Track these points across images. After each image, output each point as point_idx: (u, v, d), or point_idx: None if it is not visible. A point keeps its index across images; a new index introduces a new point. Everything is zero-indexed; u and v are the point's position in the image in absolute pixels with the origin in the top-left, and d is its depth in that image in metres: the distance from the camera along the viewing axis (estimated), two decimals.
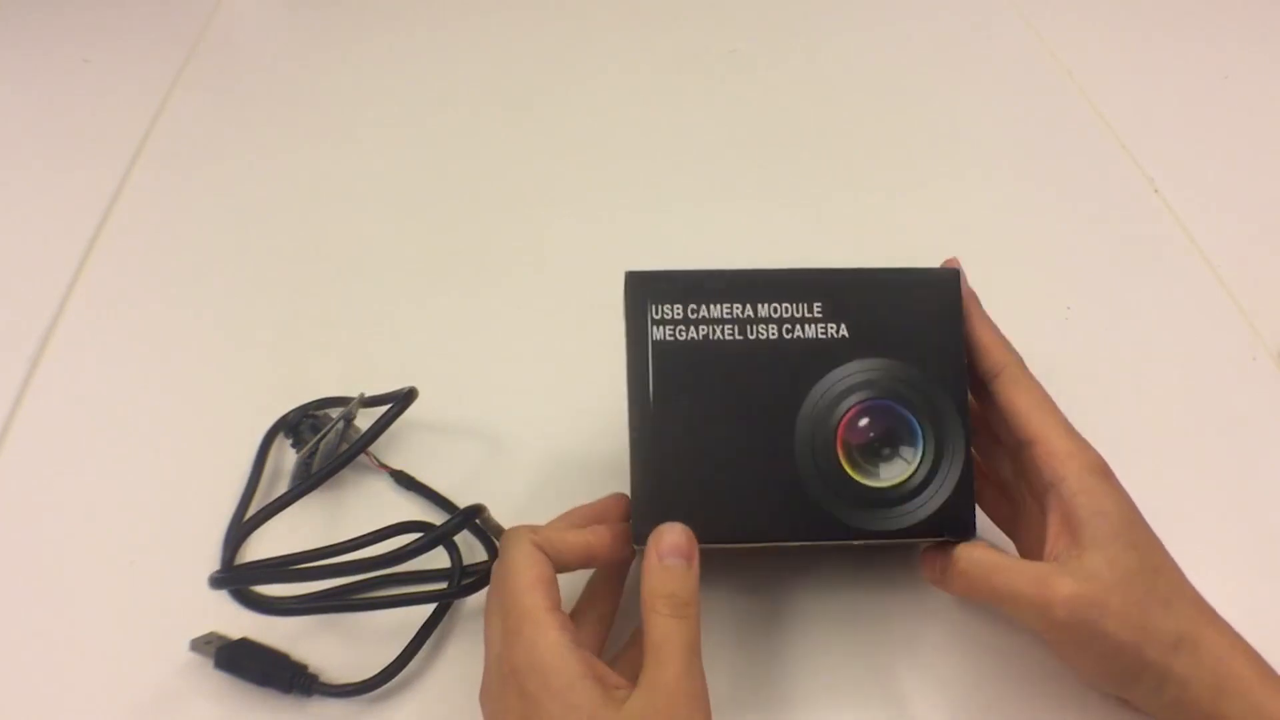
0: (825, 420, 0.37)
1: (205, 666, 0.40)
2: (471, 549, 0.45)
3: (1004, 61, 0.78)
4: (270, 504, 0.41)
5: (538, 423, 0.51)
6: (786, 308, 0.38)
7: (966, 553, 0.37)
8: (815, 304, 0.38)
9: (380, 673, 0.40)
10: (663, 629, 0.33)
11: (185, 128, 0.73)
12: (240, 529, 0.43)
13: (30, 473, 0.50)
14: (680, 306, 0.38)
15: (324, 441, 0.47)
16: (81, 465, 0.50)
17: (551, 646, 0.33)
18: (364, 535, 0.39)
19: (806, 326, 0.38)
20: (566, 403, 0.51)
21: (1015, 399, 0.38)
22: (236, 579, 0.39)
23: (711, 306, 0.38)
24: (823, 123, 0.72)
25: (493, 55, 0.80)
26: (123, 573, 0.45)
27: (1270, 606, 0.43)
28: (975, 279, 0.58)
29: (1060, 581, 0.35)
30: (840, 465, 0.36)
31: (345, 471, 0.48)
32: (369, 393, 0.49)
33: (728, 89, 0.75)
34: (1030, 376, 0.39)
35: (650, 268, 0.38)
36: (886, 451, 0.37)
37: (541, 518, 0.40)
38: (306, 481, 0.42)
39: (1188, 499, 0.47)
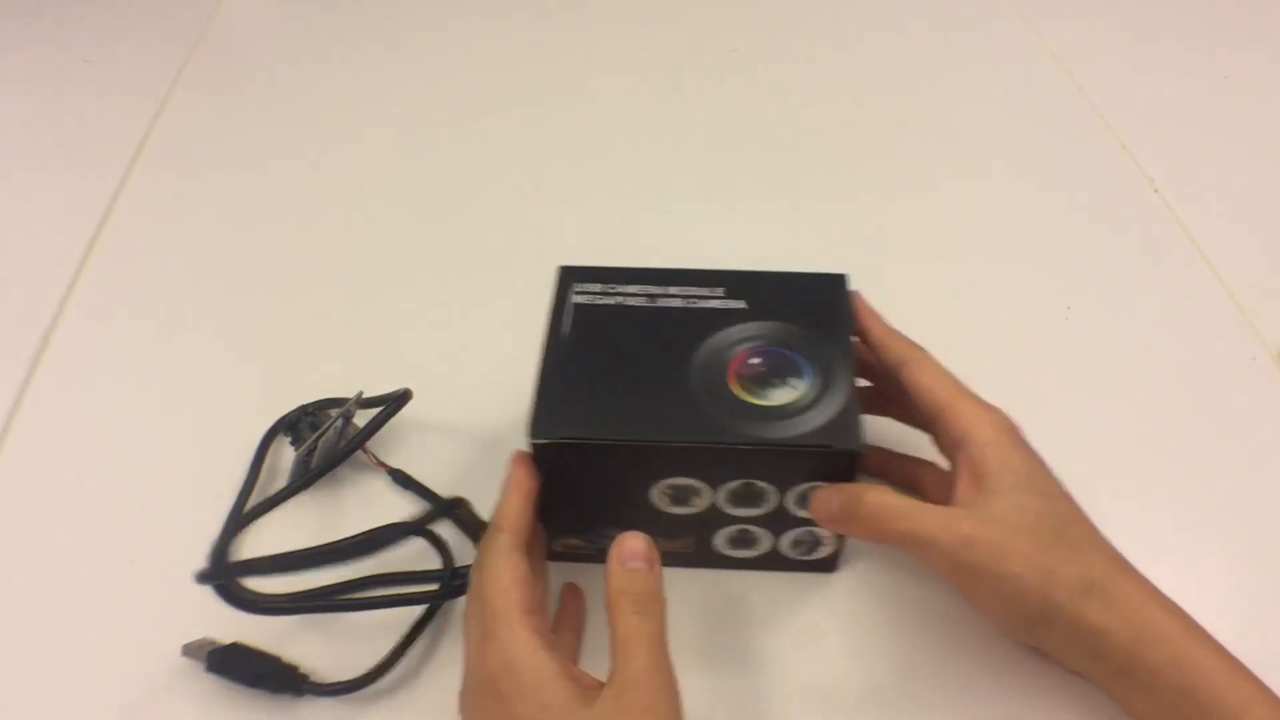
0: (720, 356, 0.41)
1: (198, 670, 0.40)
2: (467, 551, 0.44)
3: (1004, 61, 0.78)
4: (265, 500, 0.41)
5: None
6: (691, 289, 0.44)
7: (875, 496, 0.37)
8: (718, 288, 0.44)
9: (368, 672, 0.40)
10: (627, 626, 0.33)
11: (185, 128, 0.73)
12: (233, 525, 0.43)
13: (30, 473, 0.50)
14: (600, 285, 0.44)
15: (323, 439, 0.47)
16: (81, 466, 0.50)
17: (524, 648, 0.33)
18: (353, 537, 0.39)
19: (708, 300, 0.43)
20: None
21: (921, 379, 0.40)
22: (221, 574, 0.39)
23: (628, 286, 0.44)
24: (823, 123, 0.72)
25: (492, 55, 0.80)
26: (123, 573, 0.45)
27: (1271, 606, 0.43)
28: (976, 279, 0.59)
29: (966, 524, 0.36)
30: (729, 387, 0.39)
31: (345, 470, 0.48)
32: (369, 393, 0.49)
33: (728, 89, 0.75)
34: (935, 362, 0.41)
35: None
36: (776, 381, 0.40)
37: None
38: (301, 479, 0.42)
39: (1188, 499, 0.47)
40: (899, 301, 0.57)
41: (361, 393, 0.49)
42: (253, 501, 0.47)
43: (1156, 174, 0.66)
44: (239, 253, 0.62)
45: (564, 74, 0.77)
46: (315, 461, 0.47)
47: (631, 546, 0.35)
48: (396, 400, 0.46)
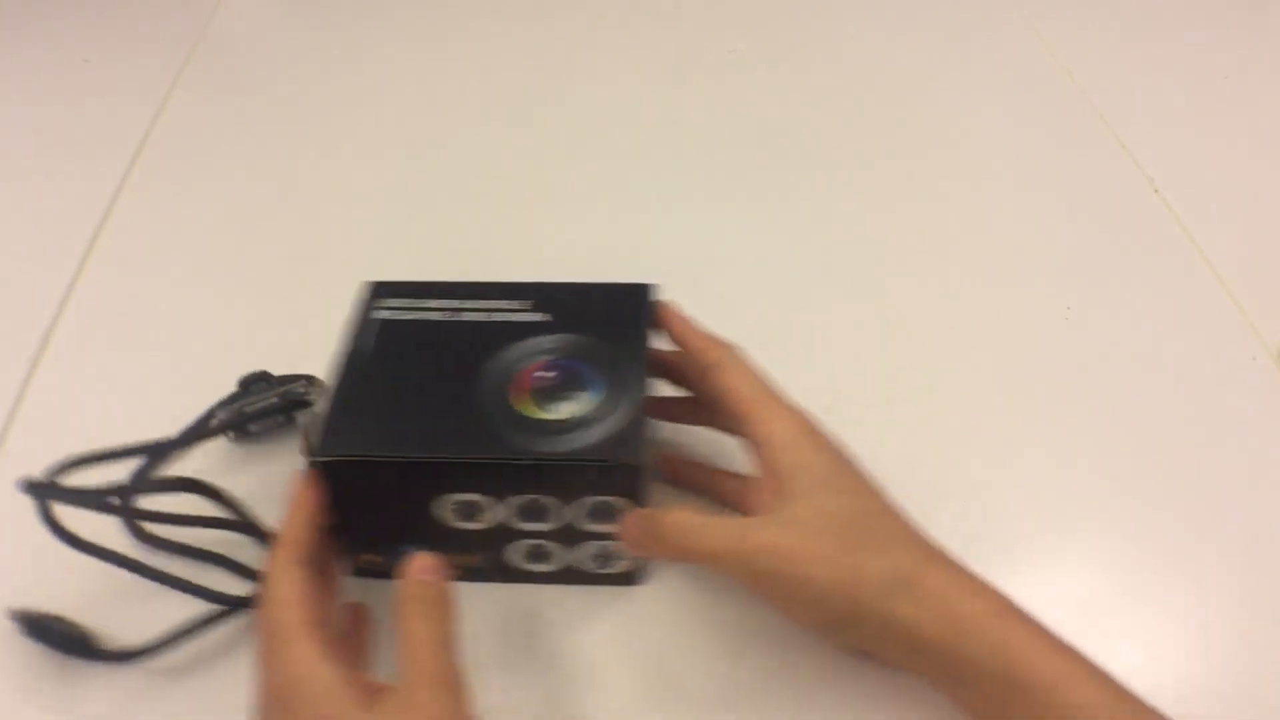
0: (510, 369, 0.41)
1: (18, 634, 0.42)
2: None
3: (1004, 62, 0.78)
4: (140, 445, 0.41)
5: None
6: (495, 302, 0.44)
7: (671, 517, 0.37)
8: (523, 300, 0.44)
9: (147, 646, 0.41)
10: (413, 631, 0.34)
11: (185, 128, 0.73)
12: (94, 457, 0.42)
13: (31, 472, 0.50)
14: (405, 300, 0.44)
15: (254, 407, 0.48)
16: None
17: (304, 659, 0.33)
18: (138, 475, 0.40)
19: (513, 314, 0.43)
20: None
21: (727, 382, 0.40)
22: (42, 491, 0.39)
23: (432, 301, 0.44)
24: (823, 123, 0.72)
25: (492, 55, 0.80)
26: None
27: (1271, 606, 0.43)
28: (976, 279, 0.59)
29: (759, 533, 0.36)
30: (509, 402, 0.40)
31: (291, 448, 0.49)
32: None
33: (728, 89, 0.75)
34: (743, 364, 0.41)
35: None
36: (565, 394, 0.40)
37: None
38: (183, 437, 0.42)
39: (1188, 499, 0.47)
40: (899, 302, 0.57)
41: (314, 376, 0.50)
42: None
43: (1156, 174, 0.66)
44: (238, 252, 0.62)
45: (566, 74, 0.77)
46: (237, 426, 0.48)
47: (420, 562, 0.36)
48: (295, 404, 0.48)
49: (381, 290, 0.45)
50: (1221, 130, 0.70)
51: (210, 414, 0.48)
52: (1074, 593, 0.43)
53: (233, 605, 0.42)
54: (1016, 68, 0.77)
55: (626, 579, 0.43)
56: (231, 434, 0.49)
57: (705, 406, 0.44)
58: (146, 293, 0.59)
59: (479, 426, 0.39)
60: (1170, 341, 0.55)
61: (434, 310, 0.43)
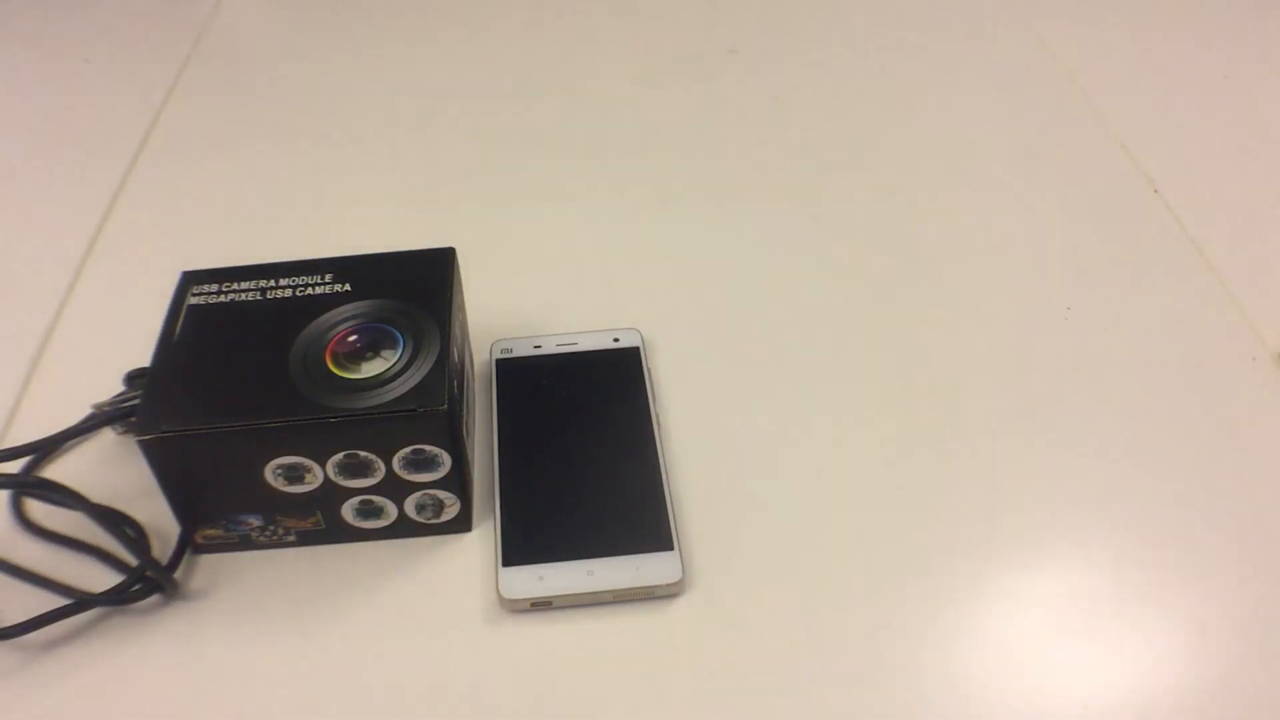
0: (319, 339, 0.43)
1: None
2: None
3: (1005, 62, 0.78)
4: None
5: None
6: (302, 278, 0.46)
7: None
8: (326, 274, 0.47)
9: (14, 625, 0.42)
10: None
11: (185, 128, 0.73)
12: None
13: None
14: (215, 285, 0.46)
15: (131, 403, 0.48)
16: None
17: None
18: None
19: (316, 287, 0.46)
20: None
21: None
22: None
23: (242, 283, 0.46)
24: (823, 123, 0.72)
25: (491, 55, 0.80)
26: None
27: (1271, 606, 0.43)
28: (976, 279, 0.59)
29: None
30: (326, 365, 0.42)
31: None
32: None
33: (727, 89, 0.75)
34: None
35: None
36: (370, 354, 0.43)
37: None
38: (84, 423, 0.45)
39: (1188, 499, 0.47)
40: (899, 302, 0.57)
41: None
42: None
43: (1156, 174, 0.66)
44: (238, 252, 0.62)
45: (562, 74, 0.77)
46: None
47: None
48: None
49: (192, 278, 0.47)
50: (1221, 130, 0.70)
51: (91, 414, 0.48)
52: (1073, 592, 0.43)
53: (89, 602, 0.42)
54: (1017, 68, 0.77)
55: (457, 526, 0.46)
56: (119, 428, 0.50)
57: None
58: (146, 292, 0.59)
59: (293, 392, 0.41)
60: (1170, 342, 0.55)
61: (243, 291, 0.46)
